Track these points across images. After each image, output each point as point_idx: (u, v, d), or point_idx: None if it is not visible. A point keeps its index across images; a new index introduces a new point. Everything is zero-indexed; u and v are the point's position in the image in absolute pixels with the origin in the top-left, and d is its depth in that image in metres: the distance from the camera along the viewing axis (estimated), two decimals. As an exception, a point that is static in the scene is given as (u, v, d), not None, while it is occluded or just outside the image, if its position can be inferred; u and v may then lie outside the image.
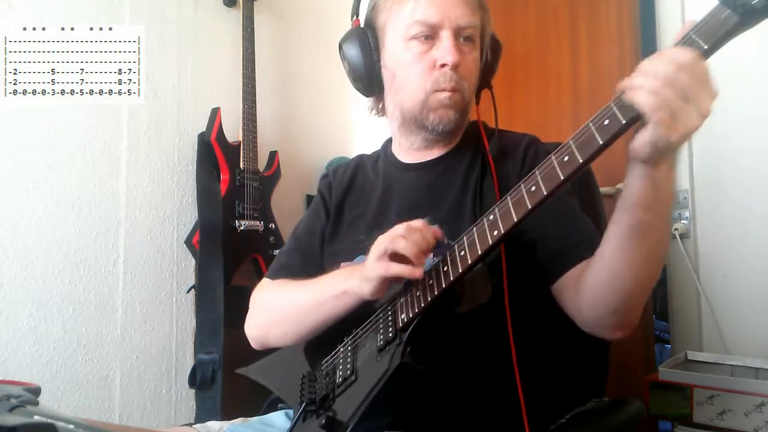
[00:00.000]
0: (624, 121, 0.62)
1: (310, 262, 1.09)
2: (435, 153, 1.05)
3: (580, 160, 0.64)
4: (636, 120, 0.62)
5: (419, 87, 0.97)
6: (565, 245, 0.88)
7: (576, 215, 0.93)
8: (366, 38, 1.02)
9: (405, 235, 0.79)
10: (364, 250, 0.98)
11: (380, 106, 1.09)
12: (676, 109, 0.60)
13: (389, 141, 1.14)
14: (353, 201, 1.10)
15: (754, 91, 1.65)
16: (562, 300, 0.89)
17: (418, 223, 0.81)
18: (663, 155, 0.64)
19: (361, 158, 1.18)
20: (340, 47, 1.06)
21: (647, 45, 1.87)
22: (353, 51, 1.03)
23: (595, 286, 0.80)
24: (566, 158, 0.66)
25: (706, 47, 0.58)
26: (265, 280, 1.14)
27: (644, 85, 0.61)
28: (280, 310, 1.04)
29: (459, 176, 1.01)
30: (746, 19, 0.56)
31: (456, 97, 0.97)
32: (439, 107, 0.97)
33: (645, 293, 0.80)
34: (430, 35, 0.96)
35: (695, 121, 0.60)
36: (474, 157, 1.02)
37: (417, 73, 0.97)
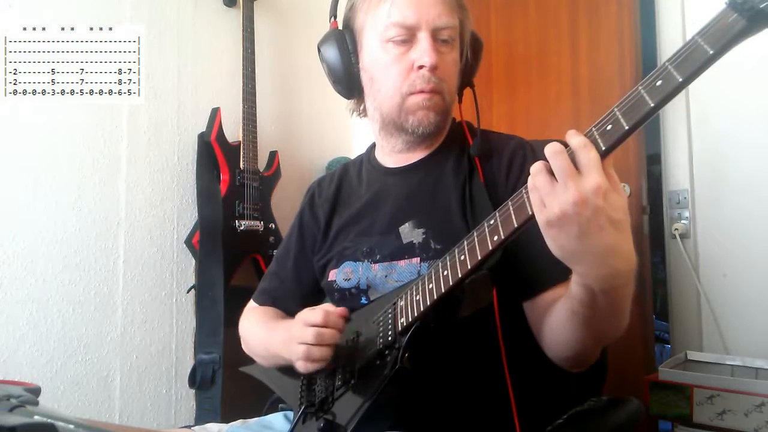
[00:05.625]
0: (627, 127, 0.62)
1: (288, 286, 1.14)
2: (418, 155, 1.04)
3: None
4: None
5: (395, 90, 0.96)
6: (539, 267, 0.87)
7: None
8: (344, 40, 1.02)
9: (317, 342, 0.84)
10: (350, 257, 1.01)
11: (361, 108, 1.09)
12: (543, 193, 0.62)
13: (372, 146, 1.14)
14: (341, 211, 1.09)
15: (754, 91, 1.65)
16: (528, 319, 0.89)
17: (317, 317, 0.85)
18: (574, 262, 0.65)
19: (345, 167, 1.17)
20: (319, 49, 1.05)
21: (647, 45, 1.87)
22: (331, 53, 1.02)
23: (547, 337, 0.84)
24: None
25: (711, 52, 0.55)
26: (251, 304, 1.19)
27: (532, 167, 0.64)
28: (255, 345, 1.09)
29: (445, 178, 1.00)
30: (754, 23, 0.54)
31: (435, 99, 0.96)
32: (417, 109, 0.96)
33: (595, 353, 0.82)
34: (408, 37, 0.95)
35: (555, 208, 0.61)
36: (459, 157, 1.01)
37: (394, 75, 0.96)
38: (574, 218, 0.61)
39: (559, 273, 0.85)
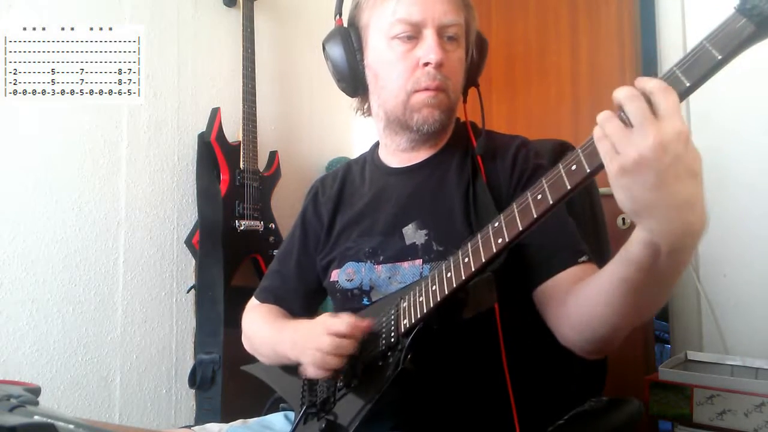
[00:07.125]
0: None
1: (290, 285, 1.13)
2: (422, 155, 1.04)
3: (588, 170, 0.62)
4: None
5: (400, 87, 0.96)
6: (547, 253, 0.87)
7: (561, 221, 0.91)
8: (349, 38, 1.01)
9: (333, 352, 0.82)
10: (352, 257, 1.00)
11: (366, 107, 1.08)
12: (616, 140, 0.57)
13: (376, 145, 1.13)
14: (344, 210, 1.09)
15: (754, 91, 1.64)
16: (542, 307, 0.88)
17: (341, 327, 0.83)
18: (647, 215, 0.60)
19: (348, 165, 1.17)
20: (324, 47, 1.05)
21: (647, 45, 1.87)
22: (336, 51, 1.02)
23: (578, 314, 0.80)
24: (574, 167, 0.63)
25: (720, 57, 0.55)
26: (253, 301, 1.18)
27: (599, 116, 0.60)
28: (259, 343, 1.09)
29: (448, 178, 0.99)
30: (763, 28, 0.54)
31: (440, 96, 0.95)
32: (422, 107, 0.96)
33: (627, 331, 0.79)
34: (413, 34, 0.94)
35: (631, 154, 0.56)
36: (463, 158, 1.00)
37: (399, 72, 0.96)
38: (652, 165, 0.56)
39: (567, 257, 0.86)
